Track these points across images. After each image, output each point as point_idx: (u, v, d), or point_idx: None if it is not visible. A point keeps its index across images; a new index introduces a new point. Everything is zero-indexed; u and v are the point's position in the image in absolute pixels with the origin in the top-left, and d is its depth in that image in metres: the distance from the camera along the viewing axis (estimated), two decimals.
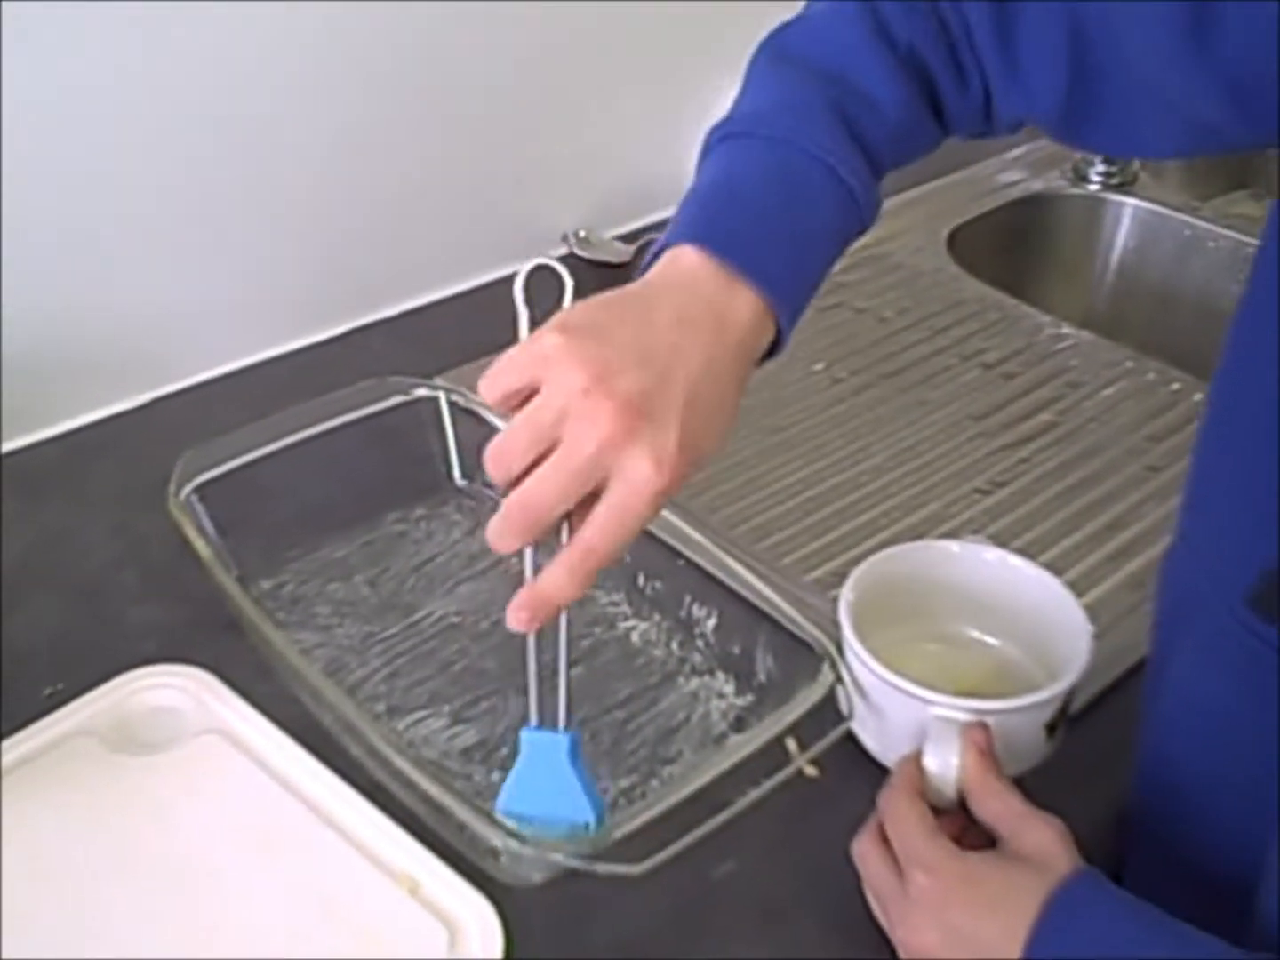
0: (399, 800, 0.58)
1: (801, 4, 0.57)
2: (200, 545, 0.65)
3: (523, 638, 0.52)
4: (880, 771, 0.58)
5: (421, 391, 0.78)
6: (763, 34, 0.57)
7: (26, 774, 0.61)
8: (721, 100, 0.56)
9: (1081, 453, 0.86)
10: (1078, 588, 0.64)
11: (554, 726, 0.53)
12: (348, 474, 0.76)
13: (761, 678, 0.66)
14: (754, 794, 0.54)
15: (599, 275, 1.03)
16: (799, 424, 0.89)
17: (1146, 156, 1.09)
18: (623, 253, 1.06)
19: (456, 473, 0.80)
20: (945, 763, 0.55)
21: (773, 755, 0.57)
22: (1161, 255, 1.17)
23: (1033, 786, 0.54)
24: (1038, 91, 0.54)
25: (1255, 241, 0.50)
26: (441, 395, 0.78)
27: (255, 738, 0.62)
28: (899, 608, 0.64)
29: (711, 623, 0.69)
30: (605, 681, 0.68)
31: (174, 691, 0.65)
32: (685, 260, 0.50)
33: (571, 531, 0.48)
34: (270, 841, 0.58)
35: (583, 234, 1.09)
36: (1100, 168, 1.19)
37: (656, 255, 0.51)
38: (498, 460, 0.47)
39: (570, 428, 0.46)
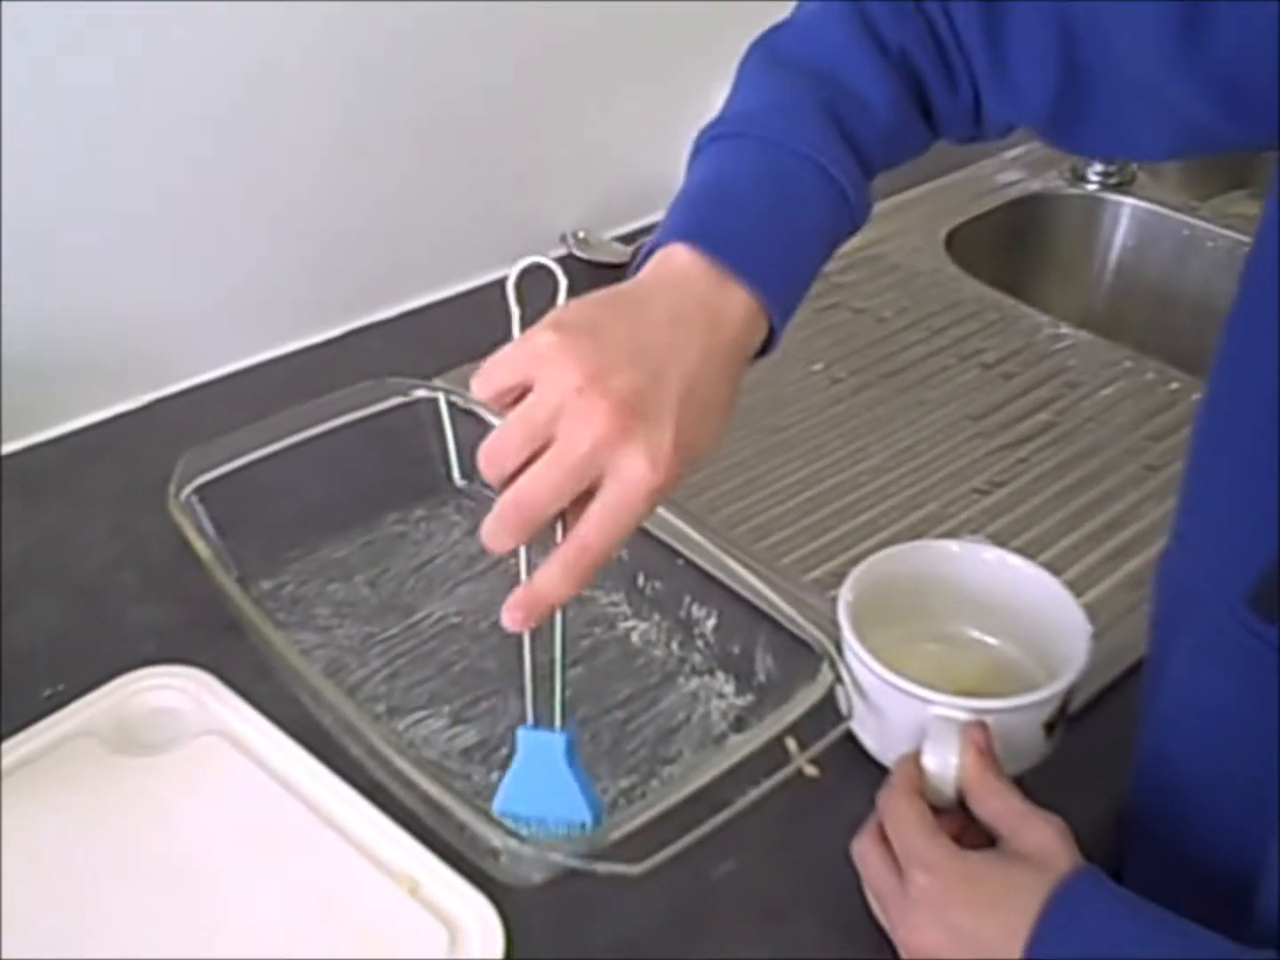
0: (399, 800, 0.59)
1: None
2: (200, 546, 0.65)
3: (521, 638, 0.53)
4: (880, 771, 0.58)
5: (421, 392, 0.78)
6: None
7: (27, 775, 0.61)
8: (721, 101, 0.56)
9: (1080, 452, 0.86)
10: (1076, 587, 0.64)
11: (551, 726, 0.54)
12: (347, 475, 0.76)
13: (761, 678, 0.66)
14: (754, 794, 0.54)
15: (598, 276, 1.02)
16: (798, 424, 0.89)
17: (1137, 158, 1.09)
18: (622, 253, 1.06)
19: (456, 473, 0.80)
20: (944, 762, 0.55)
21: (772, 755, 0.57)
22: (1160, 255, 1.17)
23: (1032, 786, 0.54)
24: (1027, 92, 0.54)
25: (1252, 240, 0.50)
26: (441, 396, 0.78)
27: (255, 738, 0.62)
28: (898, 607, 0.64)
29: (711, 623, 0.69)
30: (605, 682, 0.68)
31: (174, 692, 0.65)
32: (677, 259, 0.50)
33: (566, 530, 0.48)
34: (270, 842, 0.58)
35: (581, 235, 1.09)
36: (1098, 168, 1.19)
37: (648, 255, 0.51)
38: (491, 459, 0.47)
39: (564, 426, 0.46)
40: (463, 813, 0.53)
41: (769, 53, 0.56)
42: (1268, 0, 0.43)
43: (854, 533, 0.78)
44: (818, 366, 0.95)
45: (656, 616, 0.71)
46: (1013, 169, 1.23)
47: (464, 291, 1.04)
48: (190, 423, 0.87)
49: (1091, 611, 0.61)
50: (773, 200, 0.51)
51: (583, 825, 0.53)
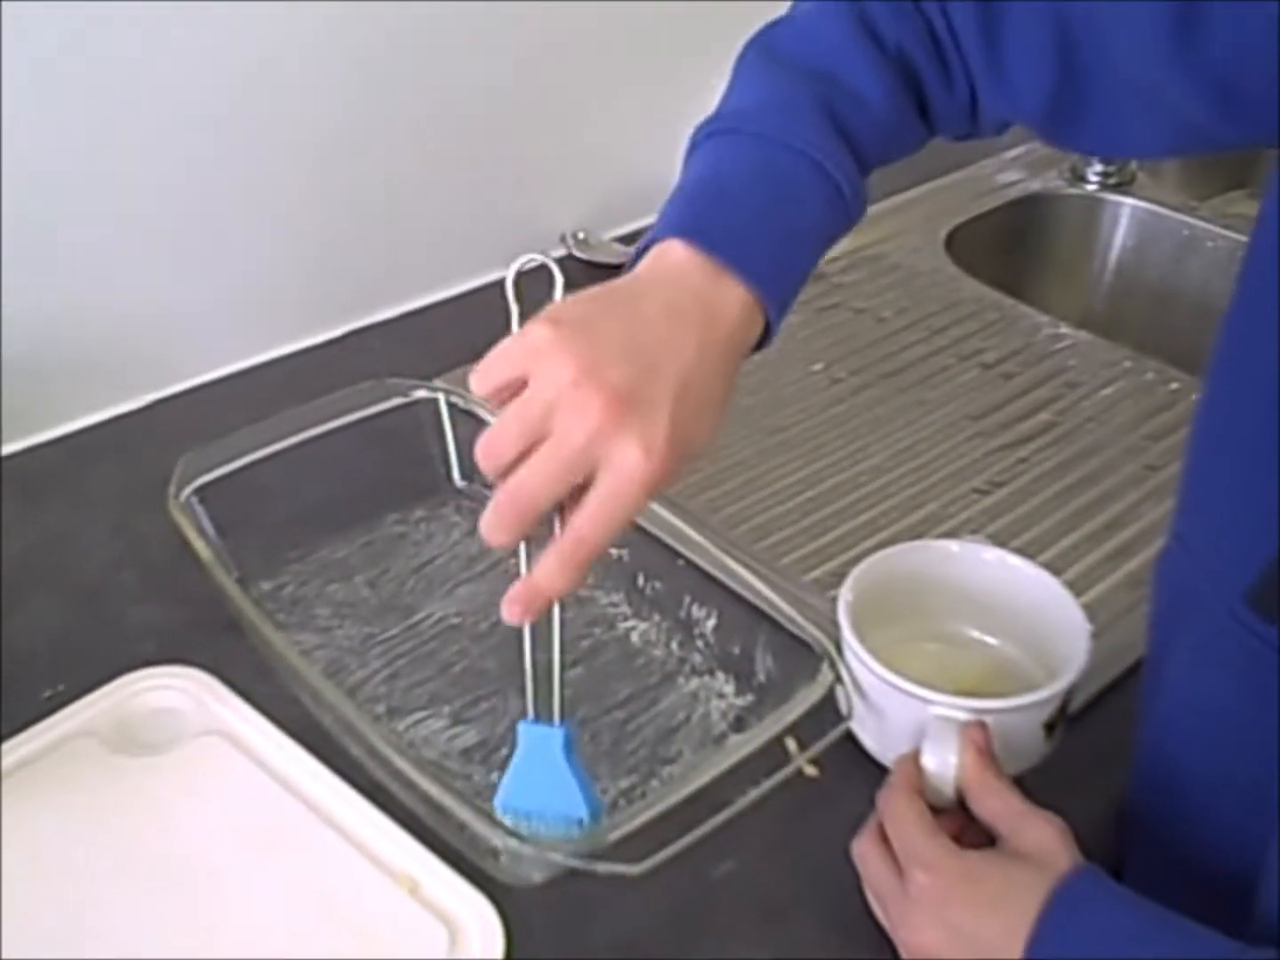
0: (399, 800, 0.59)
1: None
2: (200, 546, 0.65)
3: (521, 634, 0.53)
4: (880, 771, 0.58)
5: (421, 393, 0.78)
6: None
7: (27, 775, 0.61)
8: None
9: (1080, 452, 0.86)
10: (1076, 587, 0.64)
11: (551, 721, 0.54)
12: (347, 475, 0.76)
13: (761, 677, 0.66)
14: (754, 794, 0.54)
15: (597, 277, 1.02)
16: (798, 424, 0.89)
17: (1134, 157, 1.09)
18: (621, 254, 1.06)
19: (456, 474, 0.80)
20: (944, 761, 0.55)
21: (772, 755, 0.57)
22: (1159, 255, 1.17)
23: (1032, 786, 0.54)
24: (1023, 92, 0.54)
25: None
26: (441, 397, 0.78)
27: (255, 738, 0.62)
28: (898, 607, 0.64)
29: (711, 623, 0.69)
30: (605, 682, 0.68)
31: (174, 693, 0.65)
32: (673, 255, 0.50)
33: (564, 526, 0.48)
34: (271, 842, 0.58)
35: (581, 235, 1.09)
36: (1098, 168, 1.20)
37: (644, 250, 0.51)
38: (488, 452, 0.47)
39: (559, 419, 0.46)
40: (463, 813, 0.53)
41: (765, 49, 0.56)
42: (1262, 0, 0.43)
43: (854, 533, 0.78)
44: (818, 366, 0.95)
45: (656, 617, 0.71)
46: (1012, 169, 1.23)
47: (464, 292, 1.04)
48: (190, 423, 0.87)
49: (1091, 611, 0.61)
50: (769, 196, 0.51)
51: (579, 821, 0.53)
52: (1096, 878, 0.49)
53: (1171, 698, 0.56)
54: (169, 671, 0.66)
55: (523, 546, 0.51)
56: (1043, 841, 0.51)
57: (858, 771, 0.61)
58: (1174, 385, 0.93)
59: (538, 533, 0.49)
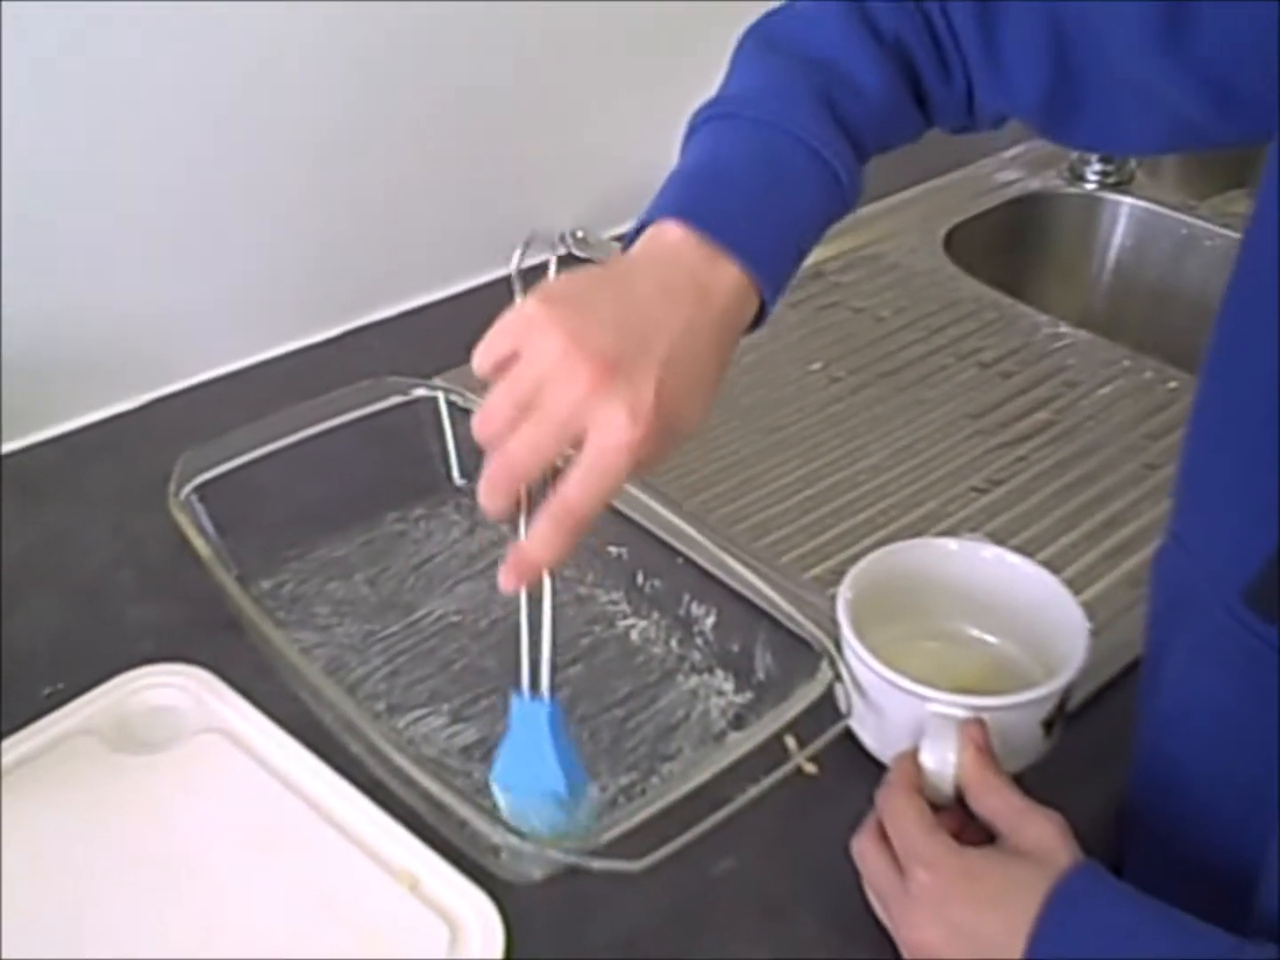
0: (399, 798, 0.59)
1: None
2: (200, 545, 0.65)
3: (520, 628, 0.54)
4: (879, 769, 0.58)
5: (420, 392, 0.78)
6: None
7: (27, 773, 0.61)
8: None
9: (1079, 451, 0.86)
10: (1075, 585, 0.64)
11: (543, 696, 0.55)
12: (347, 474, 0.76)
13: (760, 675, 0.66)
14: (753, 791, 0.54)
15: None
16: (797, 423, 0.89)
17: (1130, 153, 1.09)
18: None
19: (455, 472, 0.80)
20: (943, 759, 0.55)
21: (772, 752, 0.57)
22: (1158, 254, 1.17)
23: (1031, 784, 0.54)
24: (1020, 89, 0.54)
25: None
26: (440, 395, 0.78)
27: (255, 736, 0.62)
28: (897, 605, 0.64)
29: (710, 621, 0.69)
30: (605, 679, 0.68)
31: (174, 690, 0.65)
32: (668, 235, 0.51)
33: None
34: (271, 839, 0.58)
35: (580, 234, 1.09)
36: (1097, 167, 1.20)
37: (639, 230, 0.52)
38: (483, 423, 0.49)
39: (549, 389, 0.47)
40: (463, 810, 0.53)
41: (763, 38, 0.57)
42: (1247, 1, 0.44)
43: (853, 531, 0.79)
44: (816, 366, 0.95)
45: (656, 614, 0.71)
46: (1011, 168, 1.23)
47: (463, 291, 1.05)
48: (190, 422, 0.87)
49: (1090, 609, 0.61)
50: (765, 180, 0.52)
51: (557, 795, 0.54)
52: (1096, 874, 0.49)
53: (1170, 697, 0.56)
54: (168, 669, 0.66)
55: (522, 526, 0.52)
56: (1042, 838, 0.51)
57: (857, 769, 0.61)
58: (1172, 384, 0.93)
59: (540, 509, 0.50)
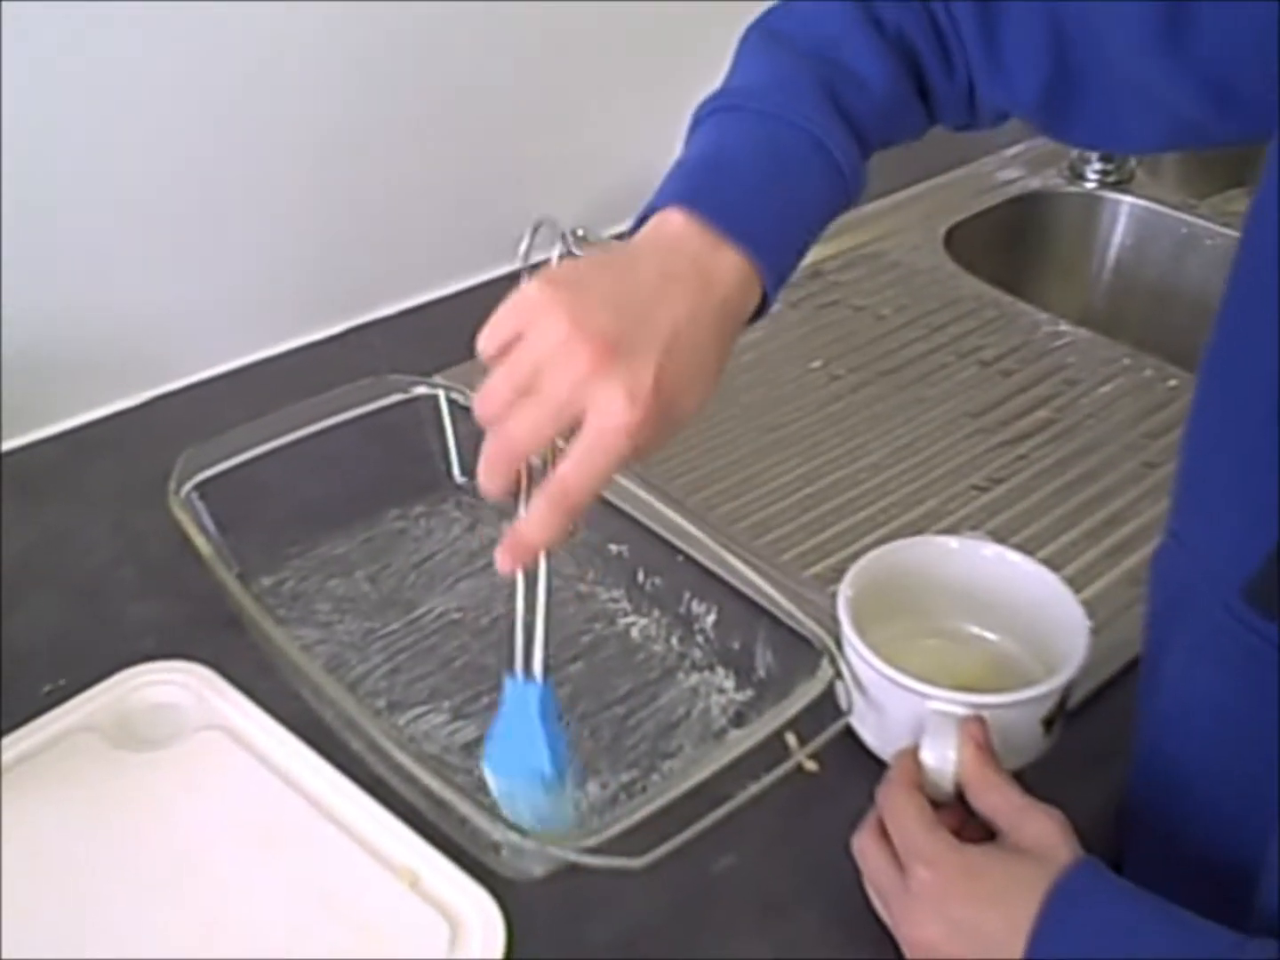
0: (400, 795, 0.59)
1: None
2: (201, 542, 0.65)
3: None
4: (879, 766, 0.58)
5: (421, 389, 0.78)
6: None
7: (28, 770, 0.61)
8: None
9: (1079, 449, 0.87)
10: (1076, 583, 0.64)
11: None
12: (347, 471, 0.76)
13: (761, 673, 0.66)
14: (754, 788, 0.54)
15: None
16: (797, 421, 0.89)
17: (1130, 151, 1.09)
18: None
19: (456, 470, 0.80)
20: (943, 756, 0.55)
21: (772, 750, 0.57)
22: (1158, 253, 1.17)
23: (1031, 781, 0.54)
24: (1021, 88, 0.55)
25: None
26: (441, 393, 0.78)
27: (256, 733, 0.62)
28: (898, 603, 0.64)
29: (711, 618, 0.69)
30: (605, 677, 0.68)
31: (175, 688, 0.65)
32: (672, 222, 0.51)
33: None
34: (271, 836, 0.58)
35: (580, 233, 1.09)
36: (1097, 165, 1.20)
37: (644, 219, 0.52)
38: (484, 402, 0.49)
39: (548, 369, 0.47)
40: (463, 807, 0.53)
41: (768, 32, 0.57)
42: (1247, 1, 0.44)
43: (853, 529, 0.79)
44: (816, 364, 0.95)
45: (656, 612, 0.71)
46: (1012, 167, 1.23)
47: (463, 289, 1.05)
48: (190, 420, 0.87)
49: (1090, 607, 0.61)
50: (769, 171, 0.52)
51: (543, 776, 0.54)
52: (1097, 871, 0.49)
53: (1169, 696, 0.56)
54: (169, 666, 0.66)
55: (520, 507, 0.52)
56: (1043, 835, 0.51)
57: (857, 767, 0.61)
58: (1172, 382, 0.93)
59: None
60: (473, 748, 0.63)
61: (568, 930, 0.57)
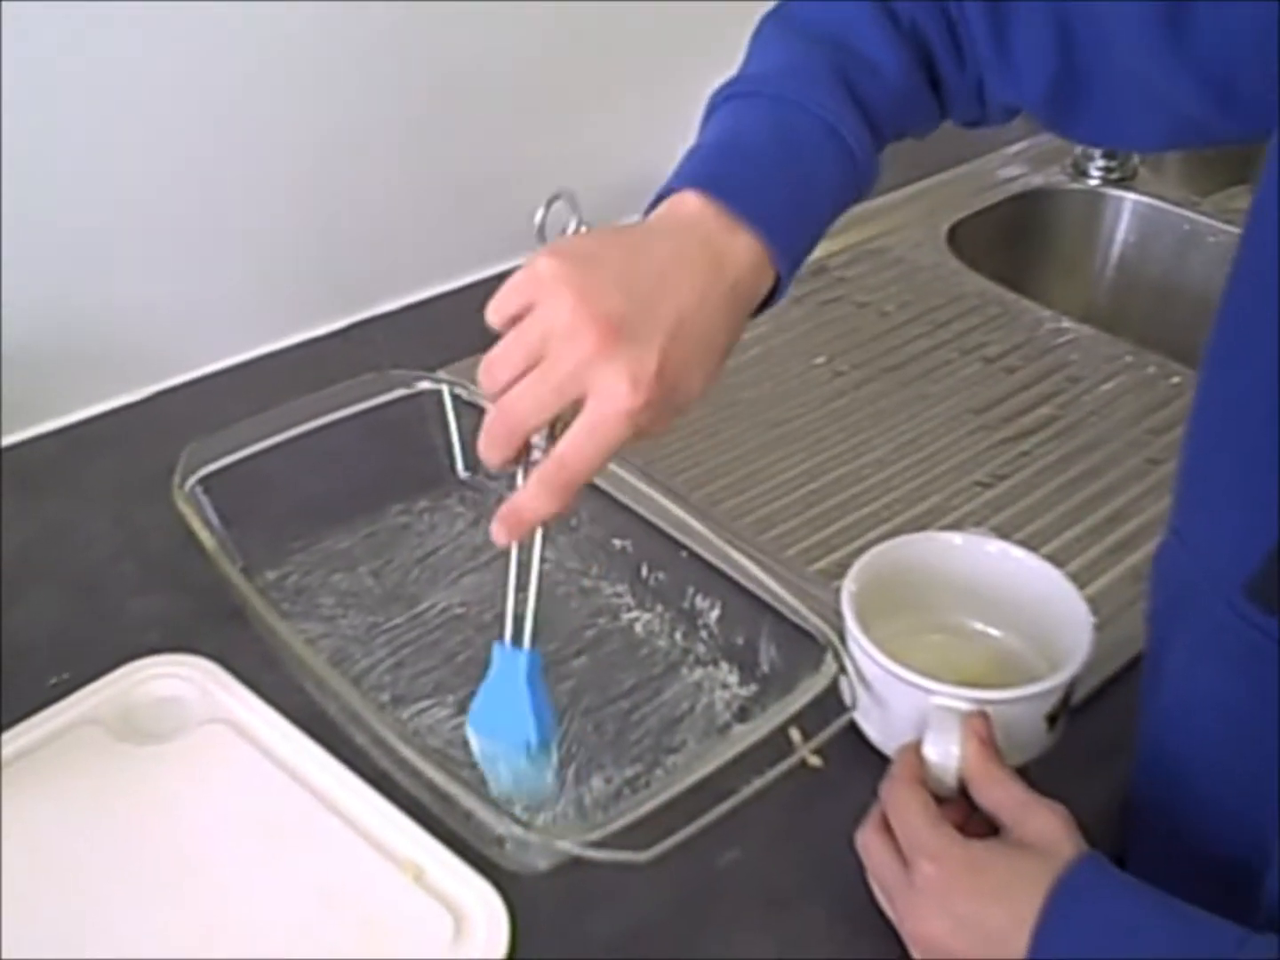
0: (404, 789, 0.59)
1: None
2: (205, 536, 0.65)
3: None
4: (883, 761, 0.58)
5: (424, 385, 0.78)
6: None
7: (31, 763, 0.61)
8: None
9: (1082, 446, 0.87)
10: (1079, 580, 0.64)
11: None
12: (351, 466, 0.76)
13: (765, 668, 0.66)
14: (758, 783, 0.54)
15: None
16: (801, 417, 0.89)
17: (1133, 148, 1.09)
18: None
19: (459, 465, 0.80)
20: (946, 752, 0.55)
21: (776, 745, 0.57)
22: (1161, 250, 1.17)
23: (1034, 777, 0.54)
24: (1028, 85, 0.56)
25: None
26: (444, 388, 0.78)
27: (260, 727, 0.62)
28: (901, 599, 0.64)
29: (715, 613, 0.69)
30: (609, 672, 0.68)
31: (179, 681, 0.65)
32: (687, 204, 0.51)
33: None
34: (275, 830, 0.58)
35: (583, 230, 1.09)
36: (1100, 162, 1.20)
37: (658, 201, 0.53)
38: (487, 373, 0.50)
39: (553, 345, 0.48)
40: (467, 801, 0.53)
41: (783, 20, 0.58)
42: (1246, 1, 0.44)
43: (857, 525, 0.79)
44: (820, 360, 0.95)
45: (660, 607, 0.71)
46: (1015, 164, 1.23)
47: (466, 285, 1.05)
48: (192, 415, 0.87)
49: (1094, 604, 0.61)
50: (784, 155, 0.53)
51: (527, 743, 0.55)
52: (1101, 866, 0.49)
53: (1172, 693, 0.56)
54: (174, 660, 0.66)
55: (519, 480, 0.53)
56: (1046, 830, 0.51)
57: (861, 762, 0.61)
58: (1175, 379, 0.93)
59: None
60: None
61: (572, 924, 0.57)
